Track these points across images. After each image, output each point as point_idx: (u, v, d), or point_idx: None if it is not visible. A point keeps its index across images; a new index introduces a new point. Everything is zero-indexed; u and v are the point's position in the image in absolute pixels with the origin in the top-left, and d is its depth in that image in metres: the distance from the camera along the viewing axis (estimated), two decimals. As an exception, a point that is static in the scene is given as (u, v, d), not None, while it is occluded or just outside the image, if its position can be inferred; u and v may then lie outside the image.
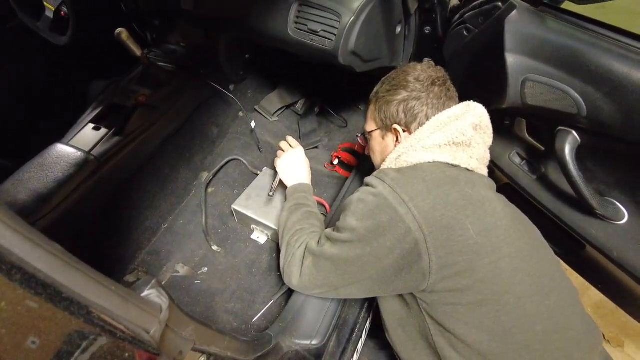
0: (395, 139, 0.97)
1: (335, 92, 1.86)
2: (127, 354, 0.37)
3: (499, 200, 0.85)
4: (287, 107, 1.80)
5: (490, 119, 1.14)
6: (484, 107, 0.92)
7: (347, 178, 1.52)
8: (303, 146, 1.68)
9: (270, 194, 1.26)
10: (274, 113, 1.74)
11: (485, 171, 0.92)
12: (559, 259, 0.89)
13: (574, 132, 0.90)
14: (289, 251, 0.99)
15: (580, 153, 0.91)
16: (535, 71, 0.90)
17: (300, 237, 1.00)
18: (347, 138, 1.72)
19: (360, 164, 1.44)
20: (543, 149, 1.04)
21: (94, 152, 1.23)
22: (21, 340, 0.31)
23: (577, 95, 0.84)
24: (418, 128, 0.91)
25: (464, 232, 0.74)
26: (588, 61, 0.81)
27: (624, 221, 0.90)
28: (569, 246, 1.06)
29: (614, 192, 0.93)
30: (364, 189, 0.85)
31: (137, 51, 1.32)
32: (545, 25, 0.89)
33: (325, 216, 1.39)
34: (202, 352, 0.63)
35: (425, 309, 0.82)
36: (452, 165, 0.84)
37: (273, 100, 1.75)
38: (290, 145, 1.30)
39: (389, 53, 1.27)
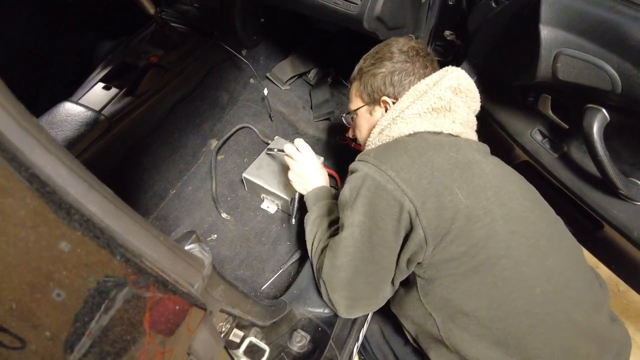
0: (384, 112, 0.96)
1: (348, 63, 1.81)
2: (177, 307, 0.36)
3: (488, 162, 0.83)
4: (299, 76, 1.75)
5: (514, 95, 1.12)
6: (462, 70, 0.91)
7: (359, 151, 1.50)
8: (315, 117, 1.66)
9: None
10: (286, 81, 1.70)
11: (473, 135, 0.91)
12: (558, 217, 0.87)
13: (604, 110, 0.88)
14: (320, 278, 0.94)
15: (606, 132, 0.90)
16: (569, 45, 0.87)
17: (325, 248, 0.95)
18: (359, 111, 1.69)
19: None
20: (567, 127, 1.02)
21: (104, 112, 1.19)
22: (81, 284, 0.29)
23: (613, 71, 0.81)
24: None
25: (452, 197, 0.73)
26: (629, 36, 0.78)
27: (647, 202, 0.90)
28: (585, 226, 1.06)
29: (637, 172, 0.92)
30: (350, 177, 0.82)
31: (151, 9, 1.27)
32: (584, -4, 0.86)
33: (337, 189, 1.37)
34: (228, 314, 0.63)
35: (422, 286, 0.82)
36: (435, 132, 0.83)
37: (285, 68, 1.71)
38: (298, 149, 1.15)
39: (413, 22, 1.23)
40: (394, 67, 0.93)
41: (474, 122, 0.92)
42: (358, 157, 0.84)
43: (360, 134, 1.05)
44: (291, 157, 1.11)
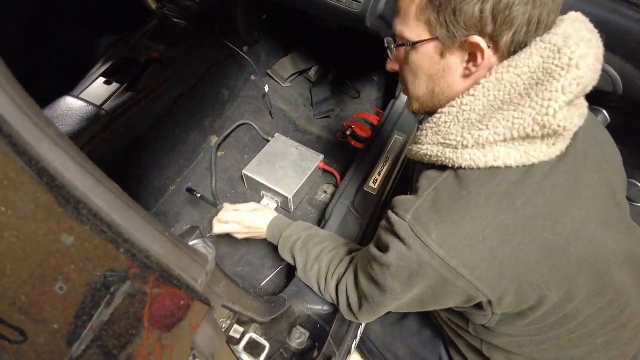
0: (467, 58, 0.58)
1: (349, 61, 1.81)
2: (181, 302, 0.36)
3: (589, 208, 0.60)
4: (300, 73, 1.75)
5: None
6: (592, 35, 0.56)
7: (359, 149, 1.50)
8: (315, 115, 1.66)
9: None
10: (287, 79, 1.70)
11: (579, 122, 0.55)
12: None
13: (604, 111, 0.89)
14: (329, 294, 0.90)
15: (607, 133, 0.90)
16: (571, 46, 0.88)
17: (326, 278, 0.89)
18: (359, 109, 1.69)
19: (375, 136, 1.42)
20: (567, 128, 1.03)
21: (105, 107, 1.19)
22: (86, 278, 0.30)
23: (614, 73, 0.82)
24: (513, 44, 0.55)
25: (537, 292, 0.59)
26: (631, 38, 0.79)
27: (645, 203, 0.90)
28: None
29: (637, 173, 0.92)
30: (399, 248, 0.60)
31: (153, 4, 1.27)
32: (587, -2, 0.86)
33: (337, 187, 1.38)
34: (229, 310, 0.63)
35: (475, 328, 0.76)
36: (524, 166, 0.56)
37: (286, 66, 1.71)
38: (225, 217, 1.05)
39: (415, 21, 1.23)
40: None
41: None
42: (410, 217, 0.58)
43: (415, 82, 0.66)
44: (234, 231, 1.03)
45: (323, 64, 1.78)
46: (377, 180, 1.23)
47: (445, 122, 0.60)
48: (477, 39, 0.55)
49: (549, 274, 0.57)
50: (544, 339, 0.70)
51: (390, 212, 0.63)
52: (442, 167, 0.61)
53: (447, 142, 0.59)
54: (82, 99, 1.18)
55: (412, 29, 0.61)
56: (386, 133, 1.37)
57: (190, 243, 0.43)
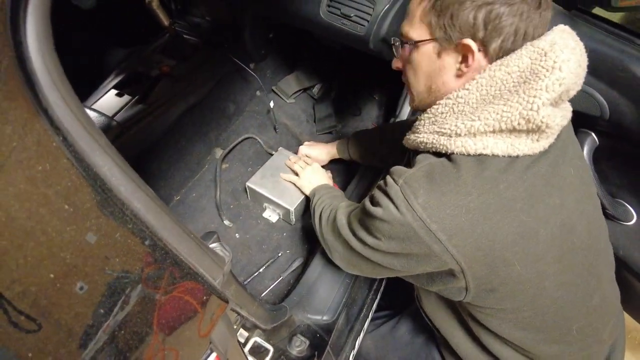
0: (460, 59, 0.66)
1: (352, 79, 1.87)
2: (204, 297, 0.39)
3: (563, 198, 0.66)
4: (304, 90, 1.81)
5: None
6: (577, 44, 0.62)
7: (360, 164, 1.54)
8: (317, 130, 1.71)
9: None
10: (291, 95, 1.75)
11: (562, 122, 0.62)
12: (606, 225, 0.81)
13: (593, 134, 0.94)
14: (321, 223, 0.97)
15: (595, 155, 0.95)
16: (562, 72, 0.93)
17: (326, 208, 0.99)
18: (360, 126, 1.74)
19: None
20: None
21: (116, 118, 1.24)
22: (129, 270, 0.33)
23: (601, 99, 0.88)
24: (501, 50, 0.62)
25: (508, 267, 0.63)
26: (616, 67, 0.85)
27: (632, 222, 0.95)
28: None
29: (624, 194, 0.97)
30: (386, 204, 0.65)
31: (165, 21, 1.33)
32: (576, 29, 0.91)
33: (337, 200, 1.41)
34: (237, 314, 0.66)
35: (462, 305, 0.79)
36: (509, 156, 0.62)
37: (290, 82, 1.76)
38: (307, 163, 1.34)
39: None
40: None
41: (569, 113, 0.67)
42: (401, 180, 0.64)
43: (415, 78, 0.75)
44: (295, 172, 1.30)
45: (326, 82, 1.83)
46: (377, 194, 1.27)
47: (442, 113, 0.68)
48: (469, 42, 0.62)
49: (522, 252, 0.63)
50: (523, 324, 0.73)
51: (387, 176, 0.69)
52: (437, 154, 0.69)
53: (442, 130, 0.66)
54: (94, 110, 1.23)
55: (415, 29, 0.69)
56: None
57: (210, 246, 0.47)
